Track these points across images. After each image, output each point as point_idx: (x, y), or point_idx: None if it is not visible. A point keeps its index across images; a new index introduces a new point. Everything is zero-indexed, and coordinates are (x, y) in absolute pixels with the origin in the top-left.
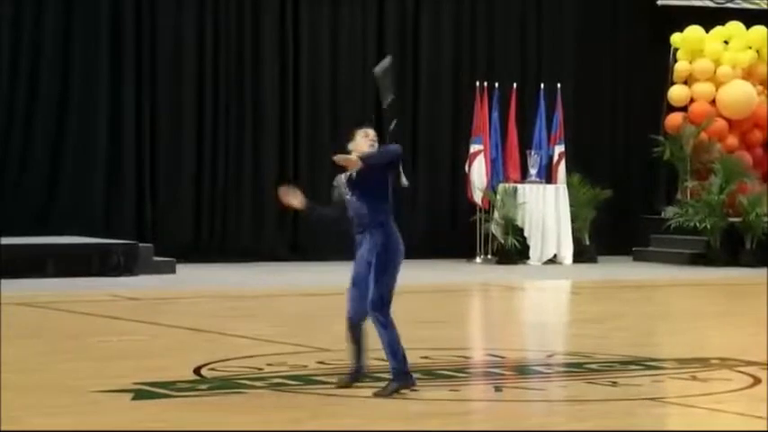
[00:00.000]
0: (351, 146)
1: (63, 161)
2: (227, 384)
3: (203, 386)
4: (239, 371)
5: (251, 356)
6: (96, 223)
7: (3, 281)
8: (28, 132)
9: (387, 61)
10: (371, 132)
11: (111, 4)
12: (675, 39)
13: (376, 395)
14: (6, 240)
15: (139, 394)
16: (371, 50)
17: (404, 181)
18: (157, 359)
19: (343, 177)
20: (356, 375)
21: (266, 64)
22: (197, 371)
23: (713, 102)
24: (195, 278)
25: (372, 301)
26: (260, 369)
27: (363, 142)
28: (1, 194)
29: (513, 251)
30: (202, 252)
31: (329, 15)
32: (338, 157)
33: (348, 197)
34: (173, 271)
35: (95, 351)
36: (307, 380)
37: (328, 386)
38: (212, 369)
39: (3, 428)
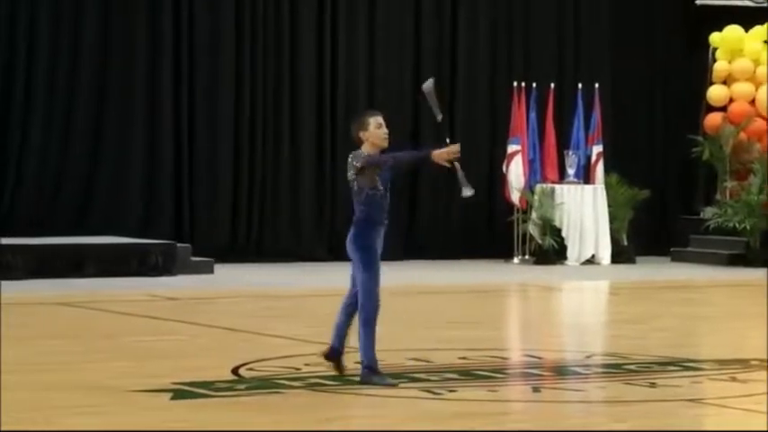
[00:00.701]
0: (363, 135)
1: (101, 162)
2: (265, 384)
3: (241, 386)
4: (277, 371)
5: (289, 356)
6: (135, 224)
7: (42, 280)
8: (67, 134)
9: (431, 81)
10: (382, 120)
11: (149, 8)
12: (714, 38)
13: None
14: (46, 240)
15: (178, 394)
16: (408, 52)
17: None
18: (195, 359)
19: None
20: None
21: (304, 66)
22: (235, 371)
23: (752, 102)
24: (233, 278)
25: None
26: (298, 369)
27: (378, 132)
28: (41, 196)
29: (551, 251)
30: (240, 252)
31: (365, 18)
32: (451, 150)
33: (380, 191)
34: (211, 271)
35: (134, 351)
36: (344, 380)
37: (366, 386)
38: (250, 369)
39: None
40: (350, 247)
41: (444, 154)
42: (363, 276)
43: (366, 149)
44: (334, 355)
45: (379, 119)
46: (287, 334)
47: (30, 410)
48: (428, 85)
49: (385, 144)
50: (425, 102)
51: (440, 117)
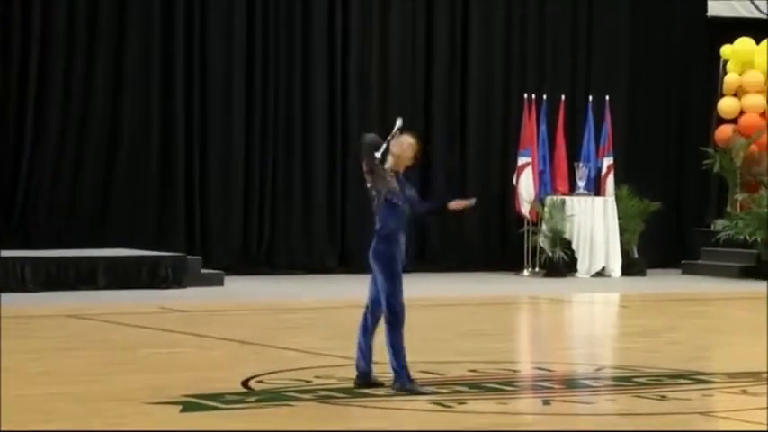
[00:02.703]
0: (394, 148)
1: (114, 175)
2: (276, 397)
3: (251, 398)
4: (287, 383)
5: (299, 369)
6: (148, 236)
7: (53, 293)
8: (80, 147)
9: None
10: (414, 142)
11: (162, 27)
12: (725, 51)
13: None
14: (57, 253)
15: (188, 406)
16: (420, 63)
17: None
18: (206, 371)
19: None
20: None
21: (316, 79)
22: (245, 383)
23: (763, 114)
24: (243, 290)
25: None
26: (308, 381)
27: (407, 152)
28: (55, 208)
29: (562, 264)
30: (251, 264)
31: (377, 30)
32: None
33: (400, 197)
34: (221, 283)
35: (144, 363)
36: (354, 392)
37: (376, 398)
38: (260, 381)
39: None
40: (371, 257)
41: (461, 205)
42: (386, 285)
43: (390, 164)
44: (366, 378)
45: (410, 139)
46: (297, 346)
47: (35, 421)
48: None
49: (410, 163)
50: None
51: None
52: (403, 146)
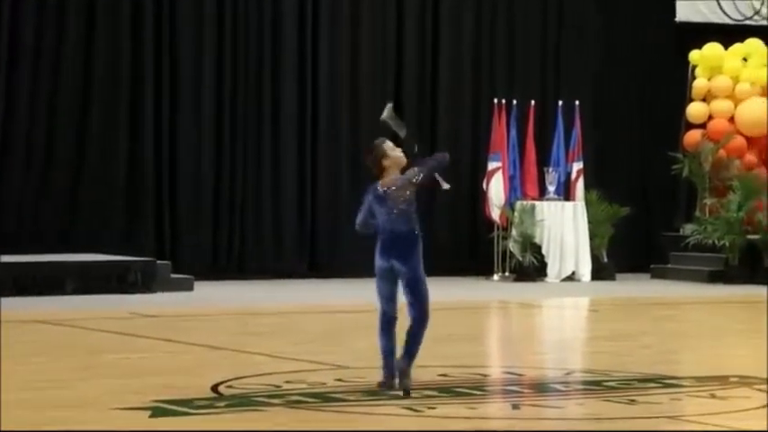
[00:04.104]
0: (387, 161)
1: (83, 179)
2: (245, 402)
3: (221, 404)
4: (257, 388)
5: (269, 374)
6: (117, 241)
7: (22, 298)
8: (49, 152)
9: (389, 107)
10: (392, 143)
11: (132, 35)
12: (694, 56)
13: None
14: (26, 258)
15: (157, 411)
16: (390, 68)
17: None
18: (175, 377)
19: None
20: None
21: (285, 84)
22: (215, 388)
23: (732, 119)
24: (213, 295)
25: None
26: (278, 386)
27: (397, 153)
28: (23, 213)
29: (531, 268)
30: (221, 269)
31: (347, 36)
32: None
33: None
34: (191, 288)
35: (113, 368)
36: (325, 397)
37: (346, 403)
38: (230, 387)
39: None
40: (397, 263)
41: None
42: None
43: (390, 174)
44: (391, 381)
45: (389, 143)
46: (267, 351)
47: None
48: (386, 114)
49: (404, 162)
50: (389, 129)
51: (404, 134)
52: (390, 153)
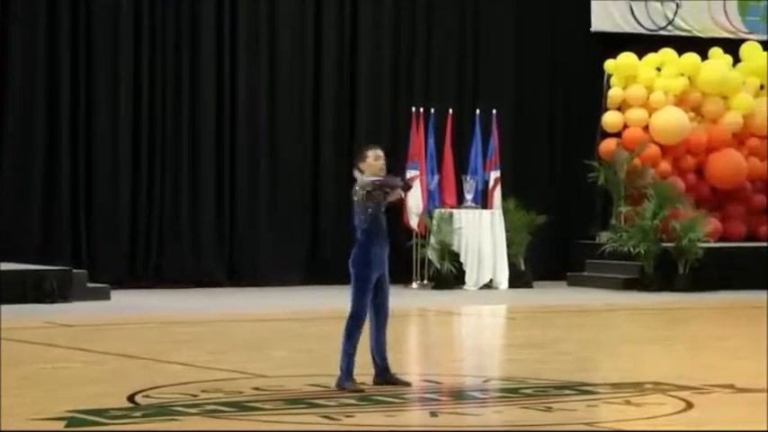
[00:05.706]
0: (362, 166)
1: None
2: (161, 411)
3: (137, 413)
4: (174, 398)
5: (186, 383)
6: (32, 250)
7: None
8: None
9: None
10: (382, 153)
11: (46, 46)
12: (609, 65)
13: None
14: None
15: (72, 422)
16: (309, 77)
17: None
18: (91, 386)
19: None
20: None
21: (204, 92)
22: (131, 398)
23: (646, 128)
24: (131, 304)
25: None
26: (195, 396)
27: (376, 164)
28: None
29: (450, 276)
30: (138, 278)
31: (265, 47)
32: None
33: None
34: (108, 297)
35: (28, 379)
36: (241, 406)
37: (263, 412)
38: (146, 396)
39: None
40: (386, 263)
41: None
42: (352, 291)
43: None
44: (384, 375)
45: (378, 152)
46: (184, 360)
47: None
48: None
49: (379, 172)
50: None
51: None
52: (368, 161)
